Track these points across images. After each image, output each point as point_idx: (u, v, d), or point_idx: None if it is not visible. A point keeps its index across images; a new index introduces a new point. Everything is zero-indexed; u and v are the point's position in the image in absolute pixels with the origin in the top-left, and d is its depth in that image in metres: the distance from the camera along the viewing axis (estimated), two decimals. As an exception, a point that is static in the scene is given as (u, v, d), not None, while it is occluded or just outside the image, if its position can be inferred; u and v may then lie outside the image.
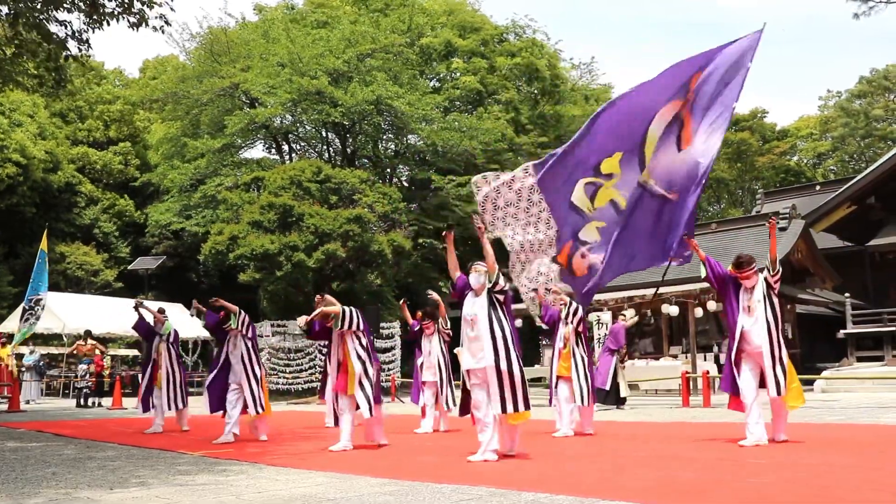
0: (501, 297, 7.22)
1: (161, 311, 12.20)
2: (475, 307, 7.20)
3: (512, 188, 10.23)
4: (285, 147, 35.29)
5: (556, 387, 9.79)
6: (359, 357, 8.28)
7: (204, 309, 10.13)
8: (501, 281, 7.20)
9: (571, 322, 9.76)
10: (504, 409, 6.95)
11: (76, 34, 11.33)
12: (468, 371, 7.22)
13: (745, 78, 10.39)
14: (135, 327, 11.94)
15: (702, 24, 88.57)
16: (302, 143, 36.24)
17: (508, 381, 6.95)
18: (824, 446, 7.49)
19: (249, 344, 9.64)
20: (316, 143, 35.87)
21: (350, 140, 33.33)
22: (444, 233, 7.84)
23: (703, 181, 10.63)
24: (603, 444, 8.37)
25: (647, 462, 6.58)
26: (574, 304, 9.90)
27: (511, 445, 7.25)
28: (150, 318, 11.78)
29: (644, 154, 10.68)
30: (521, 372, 7.08)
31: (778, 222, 13.77)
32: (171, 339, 11.59)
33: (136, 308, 11.87)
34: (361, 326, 8.41)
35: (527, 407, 7.04)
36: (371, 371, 8.29)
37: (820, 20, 79.15)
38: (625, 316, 16.71)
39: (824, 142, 52.02)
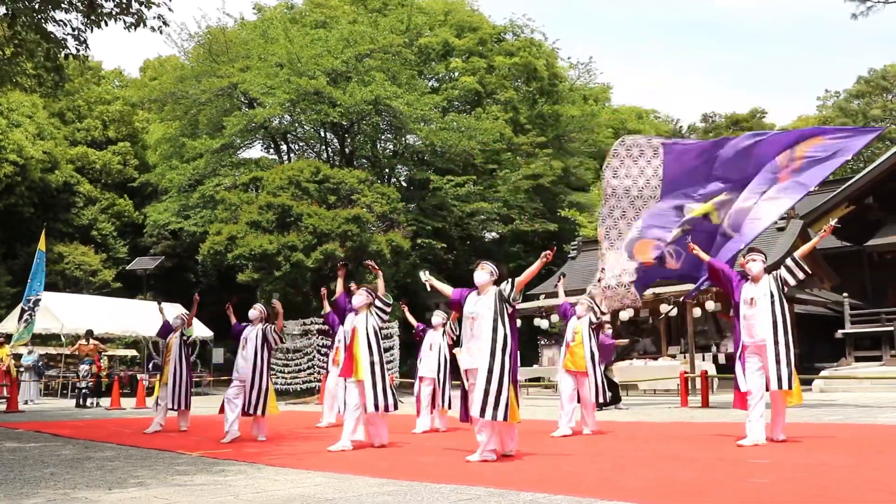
0: (510, 309, 7.14)
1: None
2: (478, 306, 7.12)
3: (638, 163, 11.20)
4: (284, 147, 35.32)
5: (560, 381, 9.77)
6: (368, 343, 8.18)
7: (234, 319, 10.16)
8: (518, 299, 7.18)
9: (585, 317, 9.77)
10: (482, 414, 6.78)
11: (75, 32, 11.32)
12: (466, 371, 7.15)
13: (837, 166, 11.28)
14: (160, 332, 11.85)
15: (700, 24, 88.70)
16: (300, 144, 36.26)
17: (496, 387, 6.80)
18: (823, 446, 7.49)
19: (264, 346, 9.57)
20: (314, 143, 35.90)
21: (348, 140, 33.35)
22: (424, 278, 7.82)
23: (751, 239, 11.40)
24: (602, 444, 8.37)
25: (646, 462, 6.58)
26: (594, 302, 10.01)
27: (509, 445, 7.21)
28: (175, 320, 11.64)
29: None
30: (511, 381, 6.91)
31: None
32: (187, 339, 11.48)
33: (160, 310, 11.90)
34: (384, 313, 8.47)
35: (505, 418, 6.83)
36: (377, 362, 8.15)
37: (818, 20, 79.26)
38: (609, 326, 16.67)
39: (823, 142, 52.09)
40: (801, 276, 7.91)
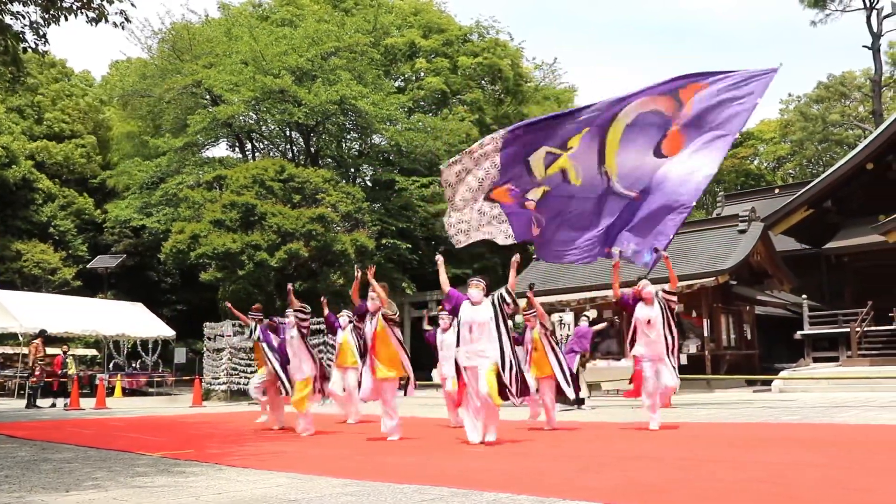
0: (509, 310, 8.43)
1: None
2: (477, 314, 8.24)
3: (473, 155, 10.98)
4: (248, 146, 34.99)
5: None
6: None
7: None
8: (512, 299, 8.47)
9: (536, 325, 10.15)
10: (506, 398, 8.17)
11: (33, 25, 11.10)
12: (465, 368, 8.16)
13: (751, 111, 10.99)
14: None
15: (665, 27, 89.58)
16: (265, 142, 35.96)
17: (515, 374, 8.21)
18: (784, 445, 7.58)
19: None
20: (279, 142, 35.62)
21: (314, 139, 33.13)
22: (437, 257, 9.11)
23: (691, 202, 11.26)
24: (566, 444, 8.40)
25: (609, 462, 6.61)
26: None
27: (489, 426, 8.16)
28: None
29: (606, 139, 11.23)
30: (519, 367, 8.40)
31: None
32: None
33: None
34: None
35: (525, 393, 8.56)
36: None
37: (783, 24, 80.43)
38: (588, 317, 16.74)
39: (784, 145, 52.85)
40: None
